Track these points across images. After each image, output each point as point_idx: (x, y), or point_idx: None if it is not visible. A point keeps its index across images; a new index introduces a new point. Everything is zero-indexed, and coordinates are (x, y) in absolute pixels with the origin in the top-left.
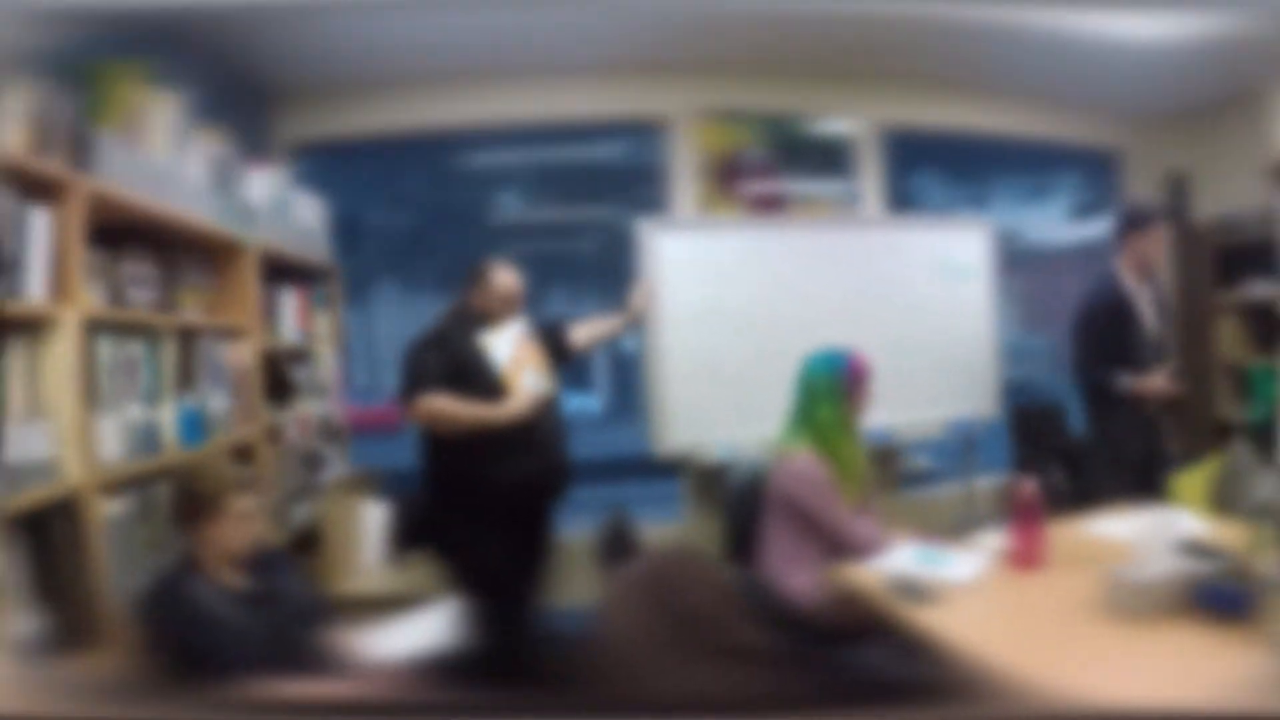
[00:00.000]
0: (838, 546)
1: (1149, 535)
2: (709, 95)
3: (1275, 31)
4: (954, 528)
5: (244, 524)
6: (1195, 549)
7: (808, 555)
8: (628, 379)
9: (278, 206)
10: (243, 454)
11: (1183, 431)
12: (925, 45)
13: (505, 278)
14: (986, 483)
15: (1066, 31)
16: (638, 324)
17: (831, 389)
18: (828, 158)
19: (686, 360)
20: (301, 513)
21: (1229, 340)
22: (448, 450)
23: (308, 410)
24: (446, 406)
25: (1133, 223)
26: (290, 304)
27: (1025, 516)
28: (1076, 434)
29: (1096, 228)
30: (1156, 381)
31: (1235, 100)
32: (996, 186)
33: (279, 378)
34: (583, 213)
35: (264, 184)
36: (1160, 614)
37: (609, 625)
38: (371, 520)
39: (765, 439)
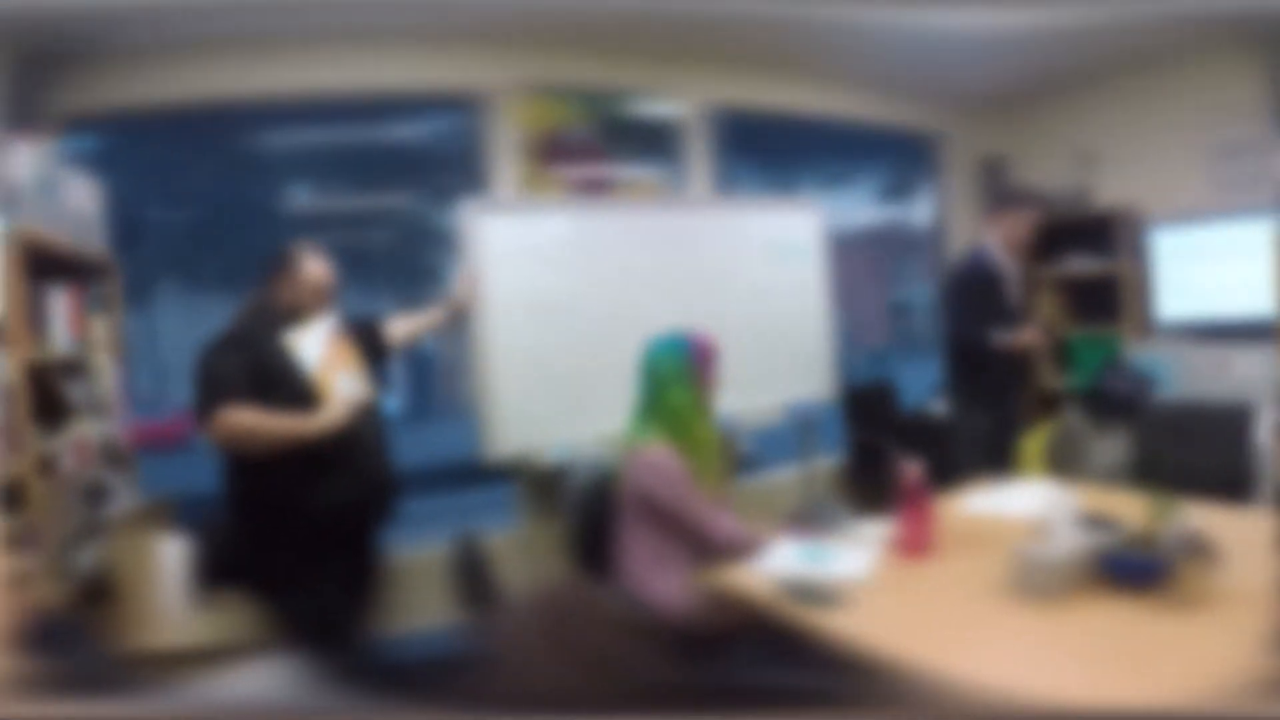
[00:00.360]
0: (704, 545)
1: (1050, 511)
2: (531, 68)
3: (1087, 22)
4: (803, 515)
5: (16, 590)
6: (1093, 521)
7: (672, 557)
8: (427, 377)
9: (44, 187)
10: (10, 495)
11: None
12: (753, 25)
13: (315, 266)
14: (820, 466)
15: (893, 17)
16: (462, 316)
17: (679, 372)
18: (653, 139)
19: (513, 355)
20: (86, 558)
21: (1048, 313)
22: (255, 471)
23: (86, 433)
24: (250, 421)
25: (1005, 203)
26: (61, 306)
27: (913, 502)
28: (908, 411)
29: (894, 212)
30: (1028, 334)
31: (1049, 88)
32: (803, 172)
33: (50, 396)
34: (382, 200)
35: (28, 160)
36: (1071, 590)
37: (507, 671)
38: (169, 558)
39: (604, 435)
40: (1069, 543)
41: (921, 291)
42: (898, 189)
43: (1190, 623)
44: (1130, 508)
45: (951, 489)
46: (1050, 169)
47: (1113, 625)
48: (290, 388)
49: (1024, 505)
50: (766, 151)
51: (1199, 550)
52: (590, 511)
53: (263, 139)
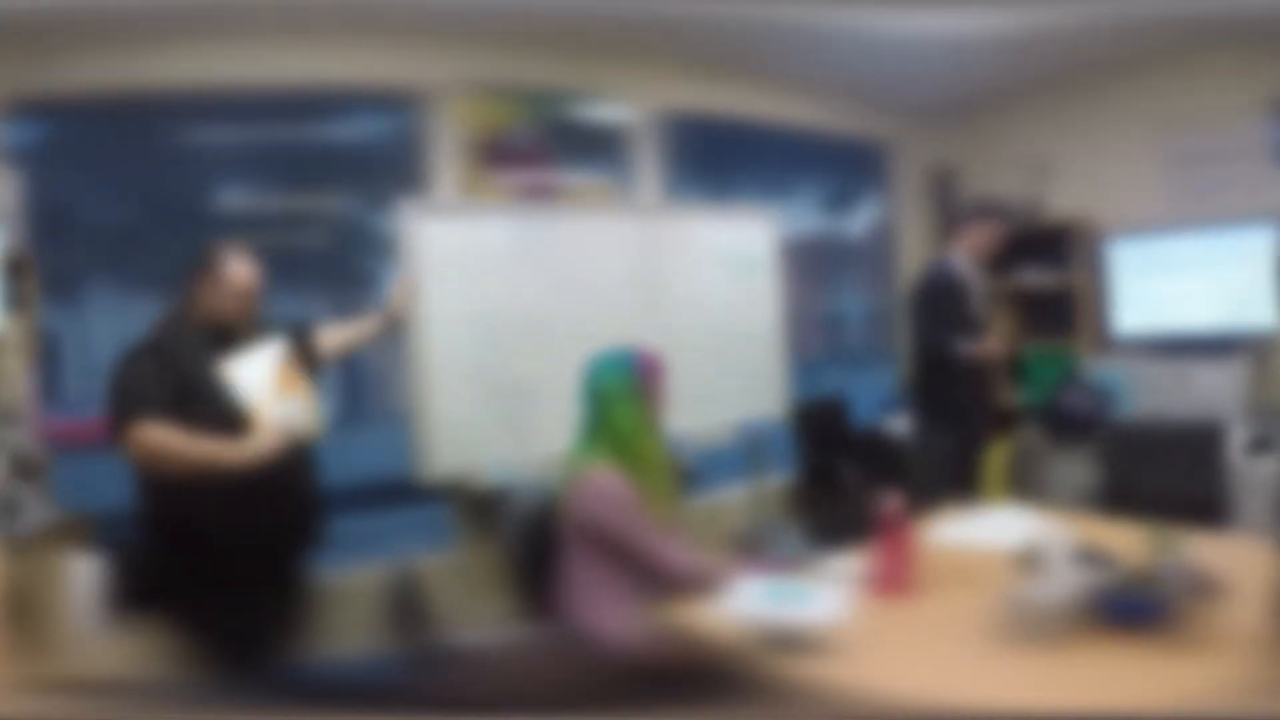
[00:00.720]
0: (655, 577)
1: (1043, 547)
2: (476, 66)
3: (1041, 28)
4: (753, 537)
5: None
6: (1086, 556)
7: (620, 589)
8: (358, 383)
9: None
10: None
11: None
12: (704, 29)
13: (239, 269)
14: (769, 485)
15: (845, 23)
16: (398, 325)
17: (625, 391)
18: (600, 143)
19: (451, 367)
20: None
21: (1001, 327)
22: (171, 492)
23: None
24: (167, 441)
25: (975, 214)
26: None
27: (891, 537)
28: (861, 428)
29: (832, 222)
30: (991, 343)
31: (1002, 95)
32: (745, 180)
33: None
34: (317, 201)
35: None
36: (1068, 633)
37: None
38: (81, 579)
39: (547, 456)
40: (1065, 583)
41: (855, 303)
42: (841, 199)
43: (1197, 666)
44: (1105, 533)
45: (917, 513)
46: (1002, 178)
47: (1118, 671)
48: (215, 406)
49: (1001, 535)
50: (709, 158)
51: (1202, 587)
52: (532, 538)
53: (197, 134)
